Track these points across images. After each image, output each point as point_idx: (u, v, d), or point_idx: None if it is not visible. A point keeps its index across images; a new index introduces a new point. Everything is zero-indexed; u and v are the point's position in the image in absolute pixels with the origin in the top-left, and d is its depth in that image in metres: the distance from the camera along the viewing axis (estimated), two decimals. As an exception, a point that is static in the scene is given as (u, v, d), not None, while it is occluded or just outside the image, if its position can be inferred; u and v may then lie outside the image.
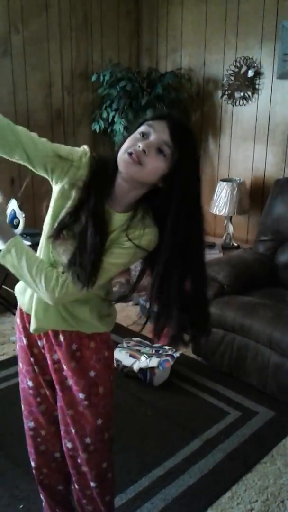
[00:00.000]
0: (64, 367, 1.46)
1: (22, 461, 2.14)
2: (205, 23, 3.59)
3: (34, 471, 1.67)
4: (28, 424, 1.60)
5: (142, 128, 1.24)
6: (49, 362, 1.48)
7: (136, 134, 1.24)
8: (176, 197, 1.23)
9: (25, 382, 1.55)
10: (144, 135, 1.22)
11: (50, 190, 1.38)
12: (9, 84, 3.28)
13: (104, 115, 3.61)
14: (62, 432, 1.55)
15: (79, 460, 1.55)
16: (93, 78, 3.63)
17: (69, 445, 1.55)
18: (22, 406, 1.60)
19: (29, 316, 1.45)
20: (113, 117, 3.57)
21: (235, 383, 2.74)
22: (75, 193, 1.29)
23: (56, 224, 1.29)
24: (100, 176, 1.28)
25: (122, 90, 3.49)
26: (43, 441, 1.60)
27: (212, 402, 2.60)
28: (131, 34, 3.95)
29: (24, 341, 1.51)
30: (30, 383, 1.54)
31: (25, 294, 1.47)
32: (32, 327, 1.42)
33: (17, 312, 1.54)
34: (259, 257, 3.12)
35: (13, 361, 2.92)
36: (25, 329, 1.49)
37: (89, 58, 3.71)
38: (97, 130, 3.68)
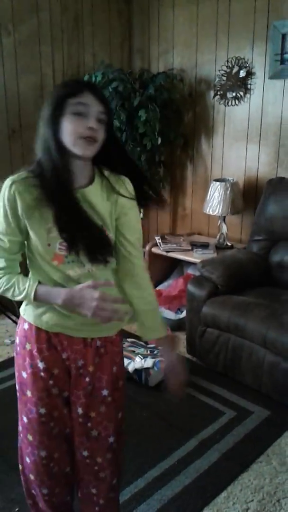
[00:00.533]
0: (89, 369, 1.46)
1: (17, 465, 2.13)
2: (196, 23, 3.59)
3: (46, 499, 1.57)
4: (39, 454, 1.51)
5: (72, 109, 1.28)
6: (73, 372, 1.46)
7: (71, 116, 1.28)
8: (113, 136, 1.39)
9: (35, 412, 1.47)
10: (81, 114, 1.28)
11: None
12: (0, 86, 3.27)
13: (97, 116, 3.60)
14: (76, 443, 1.52)
15: (96, 467, 1.54)
16: (85, 79, 3.62)
17: (85, 453, 1.52)
18: (30, 438, 1.50)
19: (59, 335, 1.43)
20: (106, 118, 3.56)
21: (230, 383, 2.74)
22: (38, 212, 1.32)
23: (58, 243, 1.34)
24: (49, 178, 1.32)
25: (114, 91, 3.48)
26: (55, 463, 1.54)
27: (207, 402, 2.60)
28: (123, 35, 3.96)
29: (41, 365, 1.44)
30: (42, 411, 1.46)
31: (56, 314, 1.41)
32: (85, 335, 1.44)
33: (29, 336, 1.46)
34: (253, 256, 3.12)
35: (7, 364, 2.91)
36: (42, 351, 1.44)
37: (80, 59, 3.70)
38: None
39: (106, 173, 1.42)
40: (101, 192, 1.39)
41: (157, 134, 3.52)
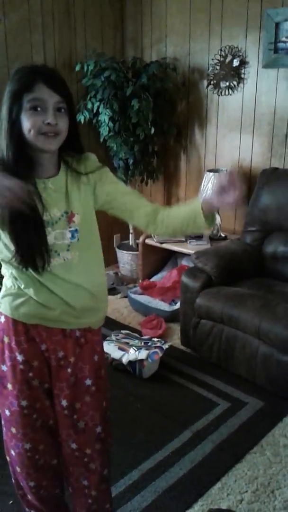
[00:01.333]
0: (71, 360, 1.46)
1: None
2: (189, 12, 3.55)
3: (33, 491, 1.57)
4: (23, 447, 1.50)
5: (28, 105, 1.26)
6: (53, 363, 1.45)
7: (28, 112, 1.26)
8: (74, 119, 1.38)
9: (17, 405, 1.46)
10: (37, 108, 1.26)
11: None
12: (-9, 75, 3.22)
13: (89, 105, 3.57)
14: (63, 436, 1.52)
15: (86, 459, 1.54)
16: (77, 68, 3.57)
17: (73, 446, 1.52)
18: (14, 430, 1.50)
19: (37, 327, 1.42)
20: (98, 107, 3.53)
21: (224, 374, 2.74)
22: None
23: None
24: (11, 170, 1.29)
25: (106, 80, 3.44)
26: (41, 455, 1.53)
27: (201, 393, 2.60)
28: (115, 24, 3.90)
29: (20, 358, 1.43)
30: (24, 403, 1.46)
31: (32, 305, 1.41)
32: (72, 326, 1.45)
33: (6, 329, 1.44)
34: (246, 247, 3.11)
35: None
36: (20, 344, 1.43)
37: (72, 48, 3.65)
38: (82, 121, 3.63)
39: (70, 159, 1.42)
40: (68, 178, 1.40)
41: (150, 124, 3.48)
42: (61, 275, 1.39)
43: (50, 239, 1.36)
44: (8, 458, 1.59)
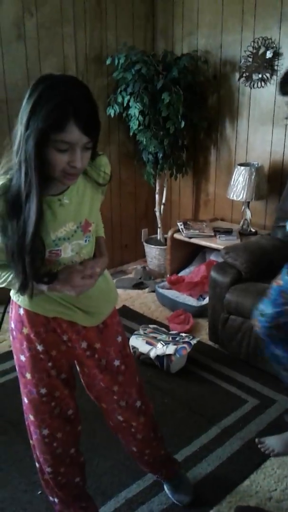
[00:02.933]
0: (96, 346, 1.51)
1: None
2: (222, 3, 3.49)
3: (51, 477, 1.61)
4: (42, 433, 1.54)
5: (55, 145, 1.17)
6: (79, 351, 1.51)
7: (54, 151, 1.18)
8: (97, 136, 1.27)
9: (36, 392, 1.50)
10: (65, 151, 1.19)
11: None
12: (23, 69, 3.24)
13: (119, 99, 3.56)
14: (109, 410, 1.65)
15: (133, 429, 1.69)
16: (108, 61, 3.57)
17: (120, 418, 1.65)
18: (32, 417, 1.55)
19: (56, 318, 1.45)
20: (128, 101, 3.51)
21: (253, 371, 2.70)
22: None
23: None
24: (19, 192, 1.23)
25: (137, 74, 3.42)
26: (58, 444, 1.57)
27: (229, 389, 2.57)
28: (146, 17, 3.87)
29: (40, 348, 1.47)
30: (43, 391, 1.50)
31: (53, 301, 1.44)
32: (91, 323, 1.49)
33: (24, 321, 1.46)
34: (277, 243, 3.06)
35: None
36: (40, 334, 1.46)
37: (103, 41, 3.64)
38: (112, 115, 3.63)
39: (88, 169, 1.36)
40: (81, 187, 1.36)
41: (181, 117, 3.45)
42: None
43: (67, 252, 1.36)
44: (31, 442, 1.63)
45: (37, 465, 1.66)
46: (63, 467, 1.61)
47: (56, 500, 1.69)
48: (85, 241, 1.40)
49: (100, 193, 1.44)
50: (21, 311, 1.47)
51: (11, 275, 1.33)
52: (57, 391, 1.52)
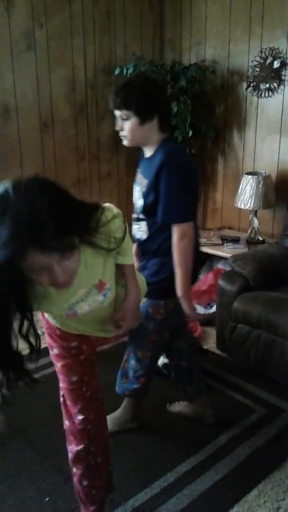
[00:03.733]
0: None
1: (49, 454, 2.16)
2: (229, 14, 3.53)
3: (81, 425, 1.64)
4: (71, 378, 1.62)
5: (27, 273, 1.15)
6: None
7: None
8: None
9: (68, 381, 1.65)
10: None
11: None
12: (33, 79, 3.29)
13: (128, 109, 3.59)
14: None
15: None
16: (117, 71, 3.61)
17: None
18: (59, 365, 1.65)
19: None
20: (137, 111, 3.54)
21: (261, 380, 2.70)
22: None
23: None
24: None
25: (145, 84, 3.45)
26: (87, 388, 1.65)
27: (237, 398, 2.57)
28: (154, 27, 3.92)
29: (72, 344, 1.63)
30: (74, 378, 1.64)
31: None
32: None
33: (53, 328, 1.62)
34: (285, 251, 3.06)
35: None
36: (69, 337, 1.62)
37: (112, 51, 3.68)
38: (120, 124, 3.66)
39: (88, 251, 1.29)
40: (90, 260, 1.32)
41: (188, 126, 3.48)
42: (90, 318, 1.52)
43: (84, 309, 1.40)
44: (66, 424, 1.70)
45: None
46: (92, 412, 1.65)
47: (78, 472, 1.70)
48: (103, 296, 1.40)
49: (113, 254, 1.40)
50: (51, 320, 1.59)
51: None
52: (86, 376, 1.64)
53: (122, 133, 1.99)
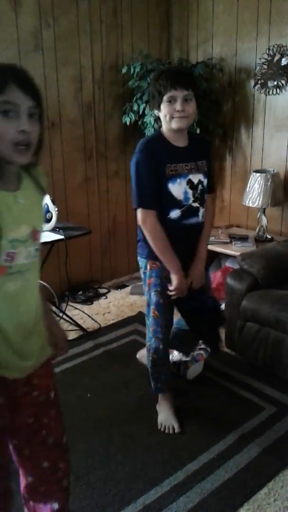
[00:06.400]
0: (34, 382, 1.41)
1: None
2: (236, 11, 3.51)
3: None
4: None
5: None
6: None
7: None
8: (42, 126, 1.27)
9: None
10: (8, 113, 1.14)
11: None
12: (40, 79, 3.29)
13: (135, 107, 3.59)
14: (36, 451, 1.45)
15: (59, 474, 1.48)
16: (124, 70, 3.61)
17: (45, 464, 1.44)
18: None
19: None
20: (144, 109, 3.55)
21: (271, 378, 2.69)
22: None
23: None
24: None
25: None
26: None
27: (246, 397, 2.57)
28: (161, 25, 3.91)
29: None
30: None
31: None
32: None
33: None
34: (294, 249, 3.05)
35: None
36: None
37: (119, 50, 3.69)
38: (128, 123, 3.67)
39: (33, 170, 1.30)
40: (31, 191, 1.29)
41: (196, 124, 3.47)
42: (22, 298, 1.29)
43: (21, 259, 1.24)
44: None
45: None
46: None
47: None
48: (35, 250, 1.28)
49: (42, 203, 1.37)
50: None
51: None
52: None
53: (183, 114, 2.01)
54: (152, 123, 3.51)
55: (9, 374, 1.29)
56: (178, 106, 1.99)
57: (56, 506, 1.47)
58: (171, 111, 2.01)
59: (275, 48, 3.35)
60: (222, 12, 3.61)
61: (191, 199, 2.14)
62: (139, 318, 3.42)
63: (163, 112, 2.04)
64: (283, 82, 3.36)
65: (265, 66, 3.42)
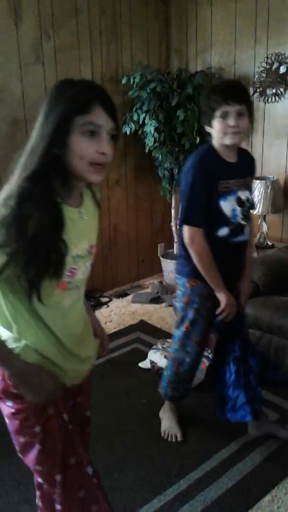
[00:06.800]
0: None
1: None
2: (234, 21, 3.55)
3: None
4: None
5: (81, 129, 1.14)
6: None
7: (80, 137, 1.14)
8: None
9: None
10: (91, 135, 1.15)
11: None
12: (41, 91, 3.33)
13: (135, 117, 3.62)
14: None
15: None
16: (123, 80, 3.64)
17: None
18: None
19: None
20: (144, 119, 3.58)
21: (273, 385, 2.68)
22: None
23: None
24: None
25: (152, 92, 3.49)
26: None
27: (249, 404, 2.56)
28: (161, 36, 3.96)
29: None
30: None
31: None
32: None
33: None
34: (294, 256, 3.06)
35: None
36: None
37: (119, 61, 3.73)
38: (128, 133, 3.70)
39: (94, 187, 1.34)
40: (91, 207, 1.32)
41: (196, 133, 3.50)
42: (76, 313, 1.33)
43: (79, 274, 1.26)
44: None
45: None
46: None
47: None
48: (90, 265, 1.32)
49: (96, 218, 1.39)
50: None
51: None
52: None
53: (236, 129, 1.92)
54: (152, 133, 3.53)
55: (71, 380, 1.34)
56: (231, 121, 1.90)
57: None
58: (224, 127, 1.92)
59: (273, 57, 3.38)
60: (220, 22, 3.65)
61: (239, 216, 2.05)
62: (141, 326, 3.42)
63: (216, 128, 1.94)
64: (282, 90, 3.39)
65: (264, 74, 3.45)
